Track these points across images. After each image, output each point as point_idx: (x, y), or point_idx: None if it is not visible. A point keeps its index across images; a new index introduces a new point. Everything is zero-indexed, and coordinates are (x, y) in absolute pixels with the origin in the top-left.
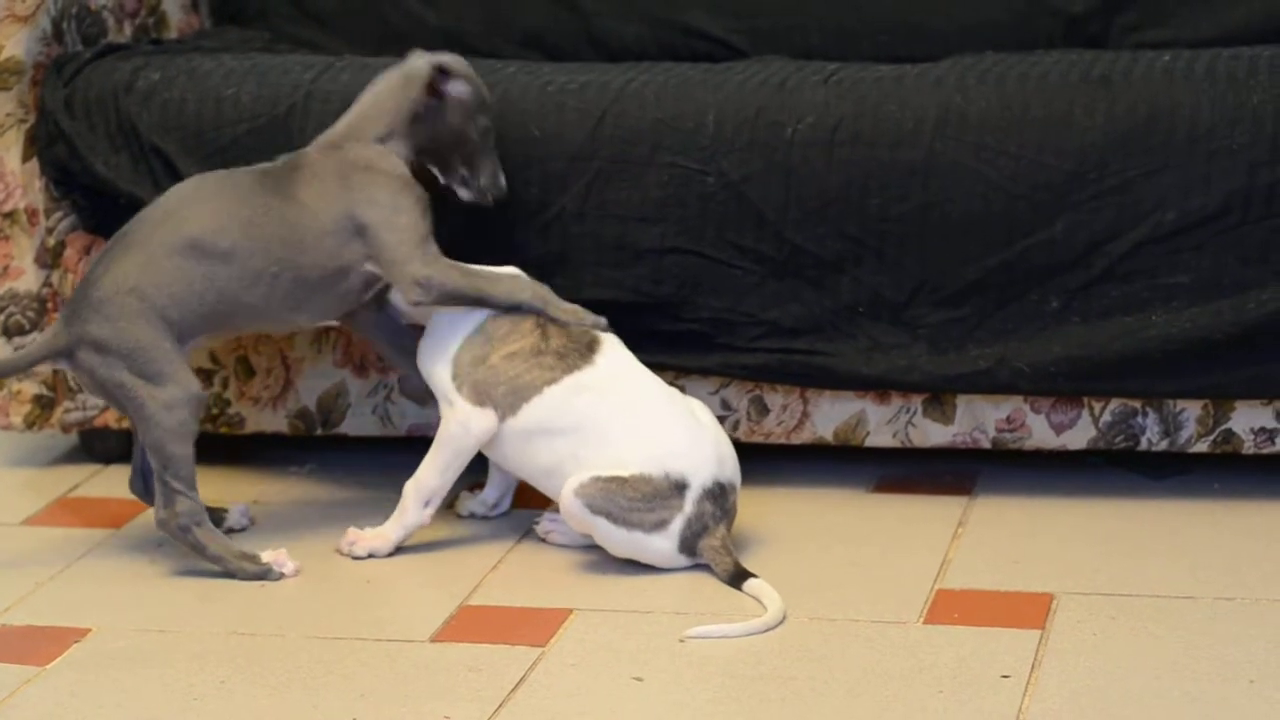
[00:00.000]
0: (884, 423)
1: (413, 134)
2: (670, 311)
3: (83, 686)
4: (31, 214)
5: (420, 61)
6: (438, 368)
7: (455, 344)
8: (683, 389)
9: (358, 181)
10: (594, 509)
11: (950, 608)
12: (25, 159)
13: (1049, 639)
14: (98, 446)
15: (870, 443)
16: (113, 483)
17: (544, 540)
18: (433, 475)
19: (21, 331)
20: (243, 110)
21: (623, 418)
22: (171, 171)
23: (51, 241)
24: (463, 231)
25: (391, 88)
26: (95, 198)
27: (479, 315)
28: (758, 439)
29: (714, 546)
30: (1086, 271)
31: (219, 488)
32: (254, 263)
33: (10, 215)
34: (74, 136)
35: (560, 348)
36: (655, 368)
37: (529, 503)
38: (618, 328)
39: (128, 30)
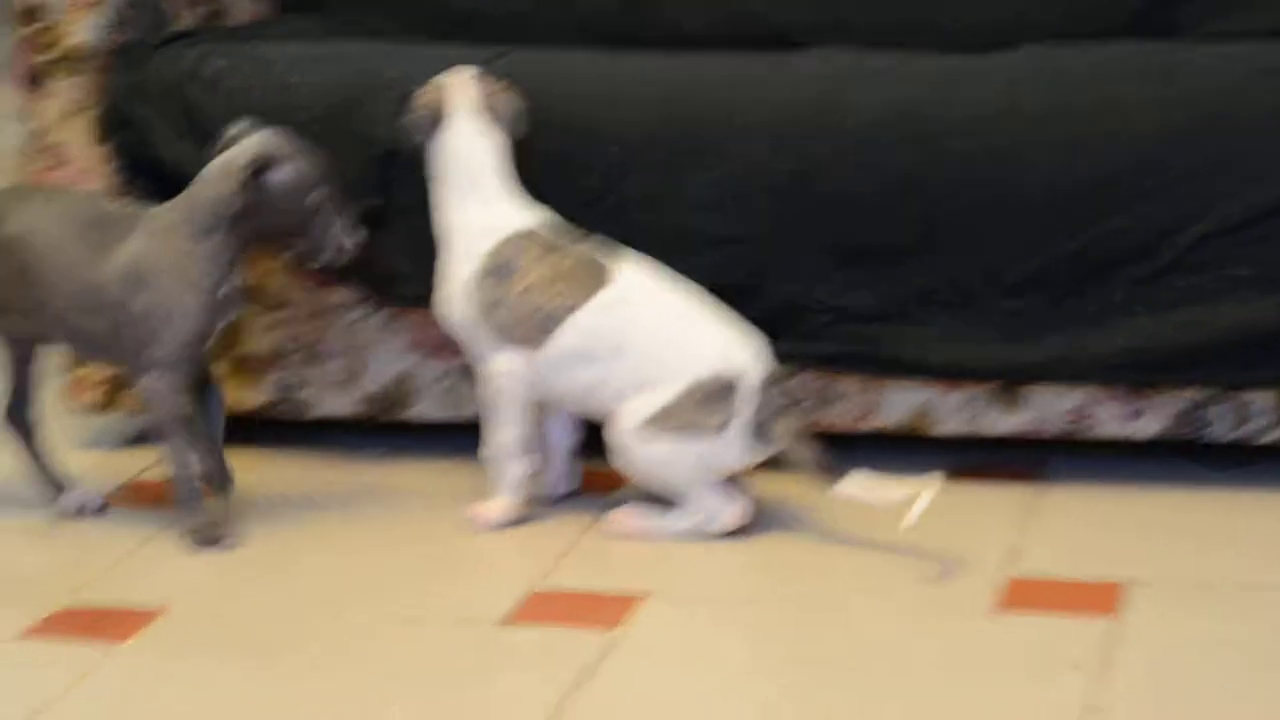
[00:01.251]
0: (953, 411)
1: (237, 229)
2: (738, 299)
3: (157, 665)
4: None
5: (237, 154)
6: (457, 320)
7: (464, 294)
8: None
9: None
10: (657, 434)
11: (1020, 596)
12: (93, 144)
13: (1119, 628)
14: None
15: (939, 431)
16: None
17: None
18: (503, 433)
19: None
20: (308, 97)
21: (661, 328)
22: None
23: None
24: None
25: (213, 181)
26: (161, 183)
27: (478, 251)
28: (826, 426)
29: (790, 433)
30: (1153, 262)
31: (287, 470)
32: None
33: None
34: (140, 123)
35: (574, 269)
36: None
37: (600, 486)
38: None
39: (193, 17)
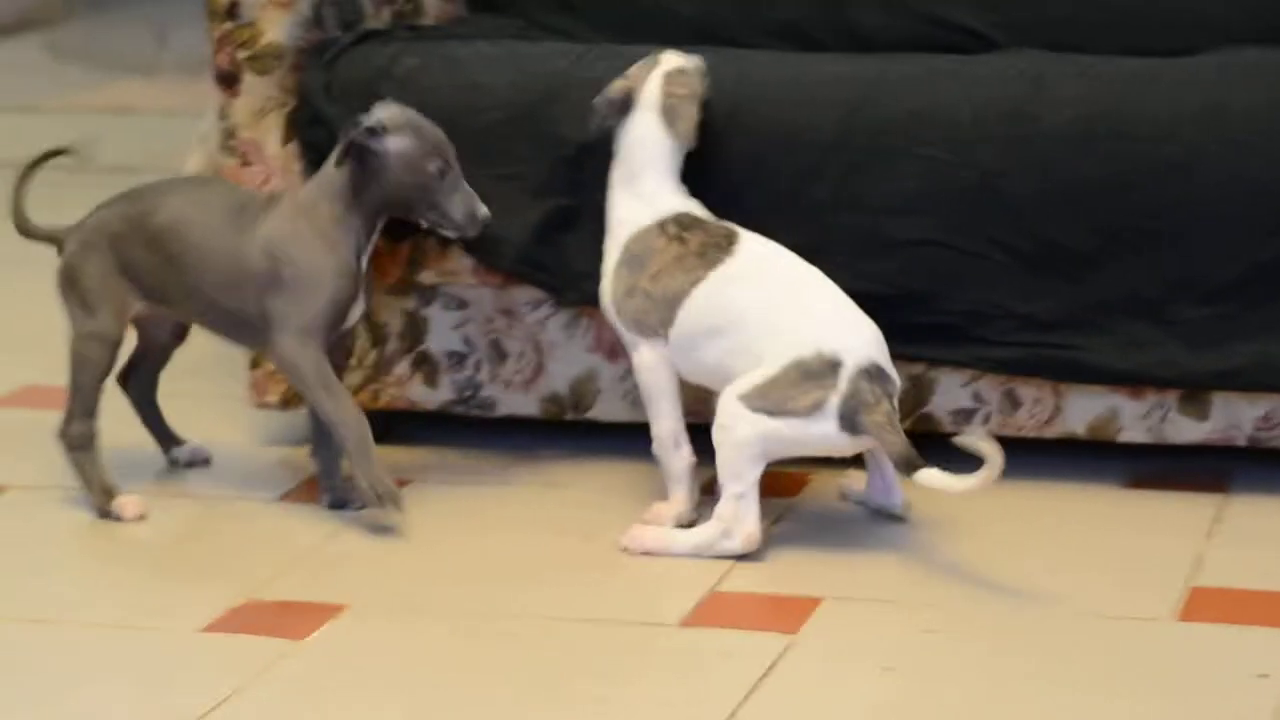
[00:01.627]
0: (1138, 418)
1: (362, 202)
2: (923, 304)
3: (337, 662)
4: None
5: (353, 130)
6: (604, 309)
7: (610, 284)
8: (934, 382)
9: (293, 250)
10: (753, 407)
11: (1204, 605)
12: (285, 142)
13: None
14: None
15: (1123, 438)
16: None
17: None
18: (658, 423)
19: None
20: (498, 97)
21: (777, 302)
22: None
23: None
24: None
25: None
26: None
27: (620, 242)
28: (1009, 433)
29: (878, 422)
30: None
31: (469, 469)
32: (189, 278)
33: None
34: (333, 121)
35: (699, 247)
36: (907, 360)
37: (775, 492)
38: (871, 319)
39: (385, 16)
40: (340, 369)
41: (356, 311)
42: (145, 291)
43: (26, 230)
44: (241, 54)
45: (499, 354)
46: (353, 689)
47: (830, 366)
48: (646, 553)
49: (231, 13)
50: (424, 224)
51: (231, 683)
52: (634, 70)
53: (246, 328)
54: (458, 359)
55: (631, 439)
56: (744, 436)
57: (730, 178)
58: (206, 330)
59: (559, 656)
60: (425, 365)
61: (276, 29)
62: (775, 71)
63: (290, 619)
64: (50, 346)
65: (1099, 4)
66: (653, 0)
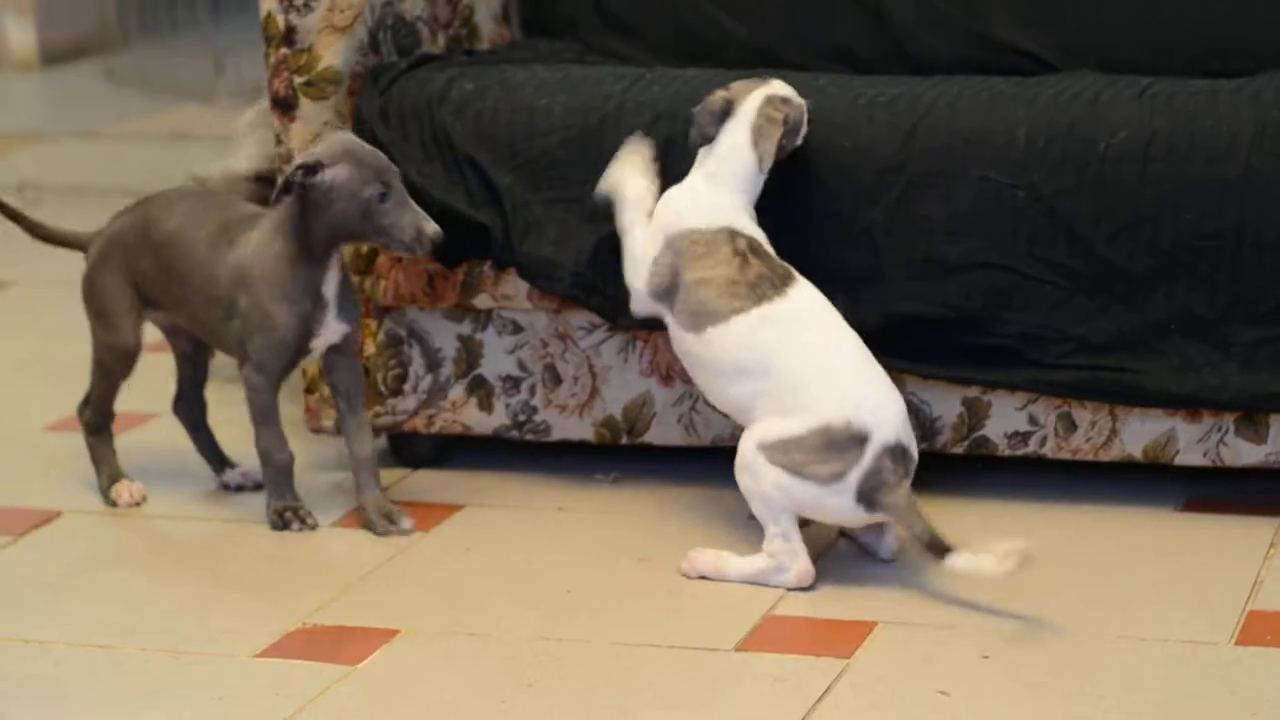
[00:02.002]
0: (1194, 441)
1: (311, 236)
2: (979, 326)
3: (392, 687)
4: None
5: (289, 170)
6: (633, 287)
7: (647, 266)
8: (990, 405)
9: (250, 283)
10: (772, 460)
11: (1263, 629)
12: None
13: None
14: (406, 450)
15: (1180, 461)
16: (422, 486)
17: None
18: None
19: None
20: (555, 121)
21: (812, 359)
22: (483, 180)
23: (364, 248)
24: (771, 243)
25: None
26: None
27: (668, 223)
28: (1065, 456)
29: (899, 505)
30: None
31: (524, 493)
32: (188, 294)
33: None
34: (389, 145)
35: (756, 278)
36: (962, 383)
37: None
38: (927, 342)
39: (441, 40)
40: (354, 388)
41: (328, 338)
42: (150, 300)
43: (48, 236)
44: (298, 79)
45: (554, 378)
46: (407, 714)
47: (857, 440)
48: (702, 576)
49: (288, 38)
50: (380, 246)
51: (286, 709)
52: (738, 85)
53: (224, 342)
54: (512, 383)
55: (685, 464)
56: (768, 489)
57: (787, 199)
58: (196, 334)
59: (615, 681)
60: (480, 390)
61: (333, 54)
62: (832, 93)
63: (345, 644)
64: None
65: (1155, 26)
66: (709, 23)
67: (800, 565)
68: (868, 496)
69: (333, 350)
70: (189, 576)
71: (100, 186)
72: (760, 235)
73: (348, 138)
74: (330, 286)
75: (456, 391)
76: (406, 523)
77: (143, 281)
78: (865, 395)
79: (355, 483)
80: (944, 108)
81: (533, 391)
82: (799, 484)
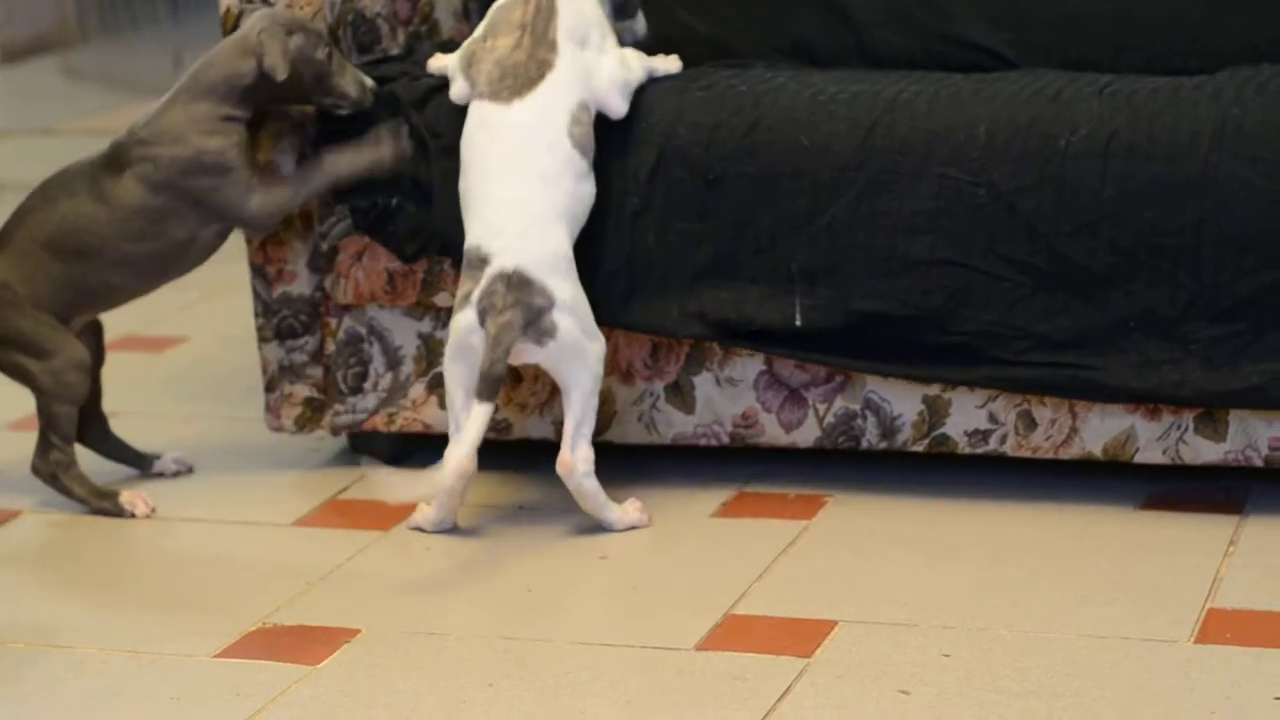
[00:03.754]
0: (1154, 439)
1: (251, 99)
2: (939, 323)
3: (352, 687)
4: (305, 218)
5: (248, 31)
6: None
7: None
8: (950, 403)
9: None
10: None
11: (1222, 627)
12: (300, 163)
13: None
14: (367, 449)
15: (1140, 459)
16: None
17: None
18: None
19: (294, 335)
20: None
21: (481, 179)
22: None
23: (325, 246)
24: (729, 241)
25: (227, 57)
26: (369, 201)
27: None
28: (1025, 454)
29: (490, 330)
30: None
31: (484, 492)
32: (107, 254)
33: (285, 219)
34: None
35: (510, 67)
36: (922, 380)
37: (791, 514)
38: (887, 340)
39: (401, 37)
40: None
41: None
42: (62, 310)
43: None
44: None
45: (514, 376)
46: (368, 714)
47: (482, 262)
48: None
49: None
50: (316, 105)
51: (246, 709)
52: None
53: (162, 269)
54: None
55: (646, 462)
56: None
57: (746, 196)
58: (133, 297)
59: (575, 681)
60: (441, 388)
61: None
62: (792, 90)
63: (305, 644)
64: None
65: (1116, 23)
66: (669, 17)
67: (454, 452)
68: (481, 316)
69: None
70: (148, 576)
71: None
72: (565, 3)
73: (279, 11)
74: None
75: (417, 390)
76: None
77: (54, 294)
78: (500, 224)
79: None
80: (904, 105)
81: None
82: (456, 311)
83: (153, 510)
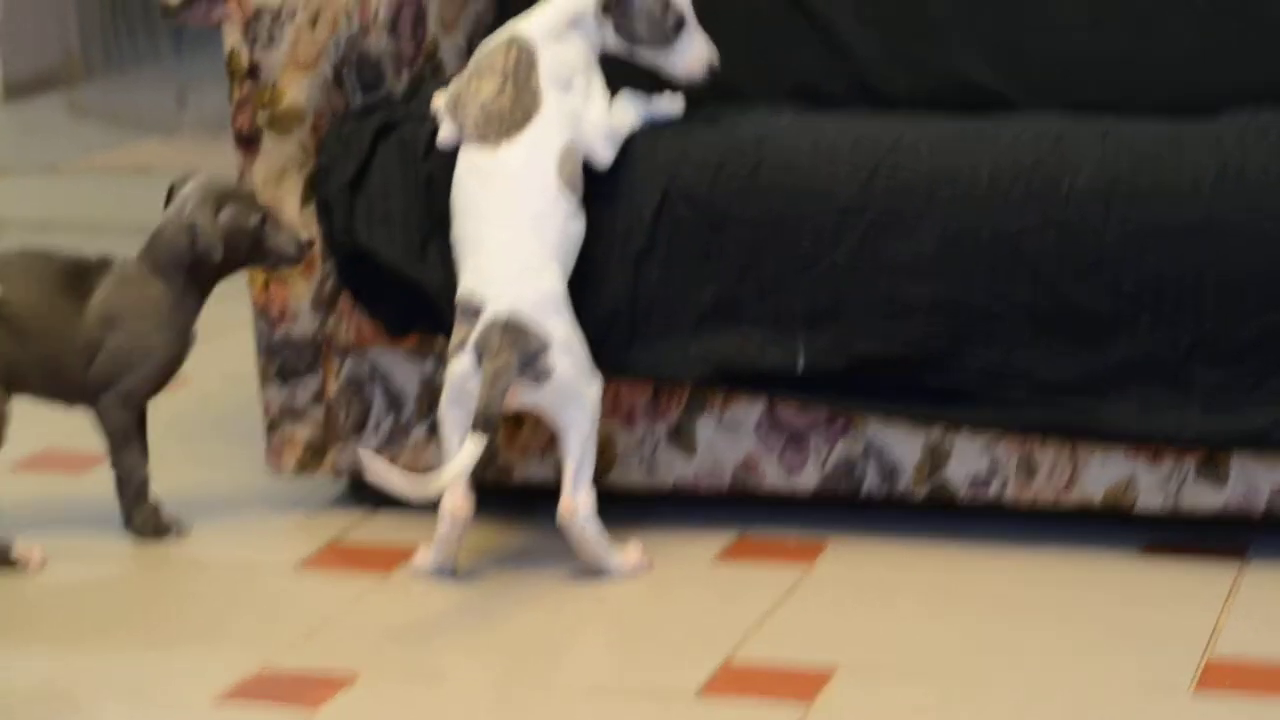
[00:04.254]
0: (1155, 486)
1: (198, 275)
2: (941, 366)
3: None
4: (309, 260)
5: (188, 206)
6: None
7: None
8: (951, 447)
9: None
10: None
11: (1222, 676)
12: (303, 204)
13: None
14: (367, 491)
15: (1141, 506)
16: (382, 527)
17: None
18: None
19: (296, 374)
20: None
21: (475, 225)
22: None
23: (328, 287)
24: (733, 283)
25: (171, 231)
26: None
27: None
28: (1026, 499)
29: (485, 373)
30: None
31: (485, 536)
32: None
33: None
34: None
35: (495, 113)
36: (924, 422)
37: (791, 558)
38: (889, 382)
39: (405, 78)
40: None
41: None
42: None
43: None
44: (261, 116)
45: (515, 420)
46: None
47: (477, 310)
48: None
49: (252, 74)
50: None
51: None
52: None
53: (75, 392)
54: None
55: (647, 506)
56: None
57: (749, 238)
58: (34, 396)
59: None
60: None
61: (297, 91)
62: (795, 132)
63: (304, 688)
64: (65, 412)
65: (1118, 67)
66: None
67: (449, 498)
68: (477, 360)
69: None
70: (148, 618)
71: (63, 221)
72: (542, 43)
73: (213, 179)
74: (196, 320)
75: (418, 432)
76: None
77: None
78: (492, 270)
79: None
80: (907, 148)
81: (495, 433)
82: (451, 358)
83: (44, 562)
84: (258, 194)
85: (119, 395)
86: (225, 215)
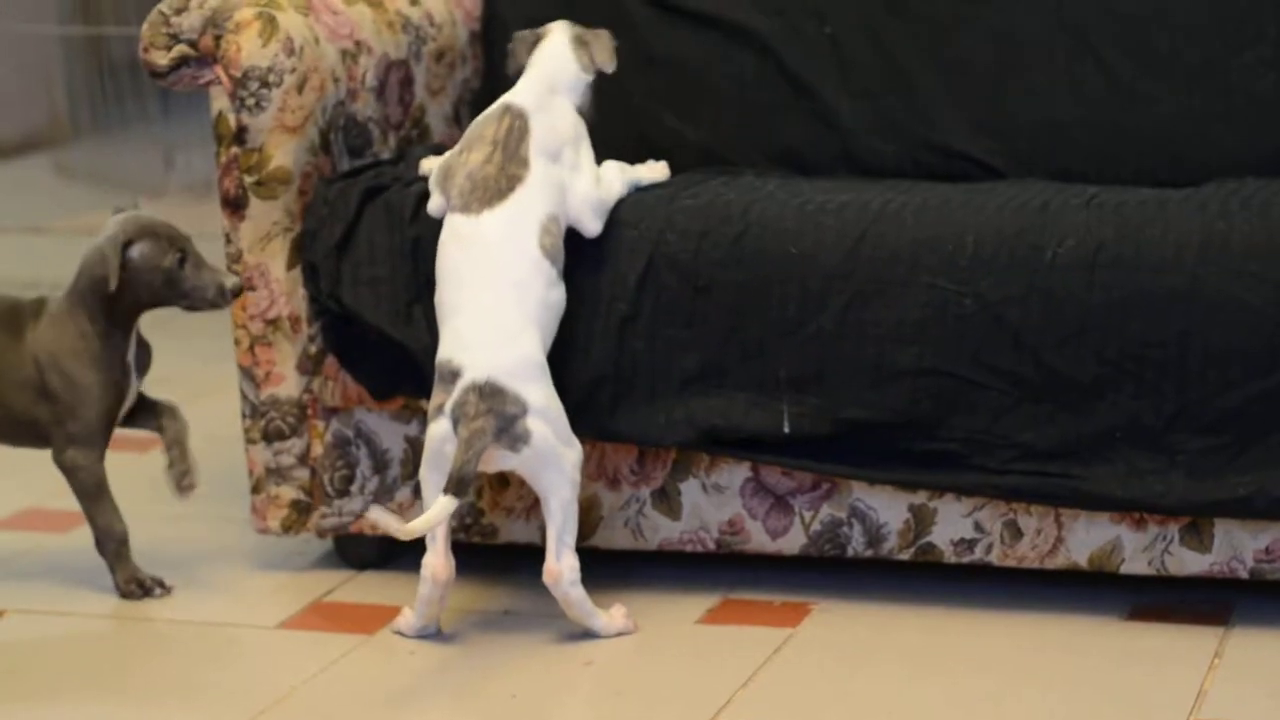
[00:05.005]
0: (1140, 550)
1: (119, 309)
2: (925, 431)
3: None
4: (294, 321)
5: (105, 241)
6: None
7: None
8: (935, 512)
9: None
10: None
11: None
12: (289, 267)
13: None
14: (352, 552)
15: (1125, 569)
16: (367, 588)
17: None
18: None
19: (281, 436)
20: None
21: (453, 292)
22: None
23: (313, 349)
24: (718, 348)
25: (90, 266)
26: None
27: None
28: (1011, 563)
29: (463, 436)
30: None
31: (470, 596)
32: None
33: (274, 322)
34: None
35: (481, 180)
36: (908, 487)
37: (774, 621)
38: (873, 447)
39: (392, 141)
40: (161, 406)
41: (130, 400)
42: None
43: None
44: (248, 179)
45: (500, 481)
46: None
47: (454, 375)
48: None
49: (239, 138)
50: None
51: None
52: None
53: (29, 432)
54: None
55: (632, 567)
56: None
57: (735, 304)
58: (8, 443)
59: None
60: None
61: (284, 154)
62: (780, 199)
63: None
64: (51, 469)
65: (1103, 135)
66: (659, 124)
67: (429, 560)
68: (454, 424)
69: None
70: (129, 677)
71: (50, 281)
72: (535, 112)
73: (137, 215)
74: (131, 353)
75: (403, 493)
76: (188, 481)
77: None
78: (470, 336)
79: (168, 458)
80: (892, 214)
81: (480, 494)
82: (430, 422)
83: (1, 613)
84: (182, 234)
85: (68, 437)
86: (137, 249)
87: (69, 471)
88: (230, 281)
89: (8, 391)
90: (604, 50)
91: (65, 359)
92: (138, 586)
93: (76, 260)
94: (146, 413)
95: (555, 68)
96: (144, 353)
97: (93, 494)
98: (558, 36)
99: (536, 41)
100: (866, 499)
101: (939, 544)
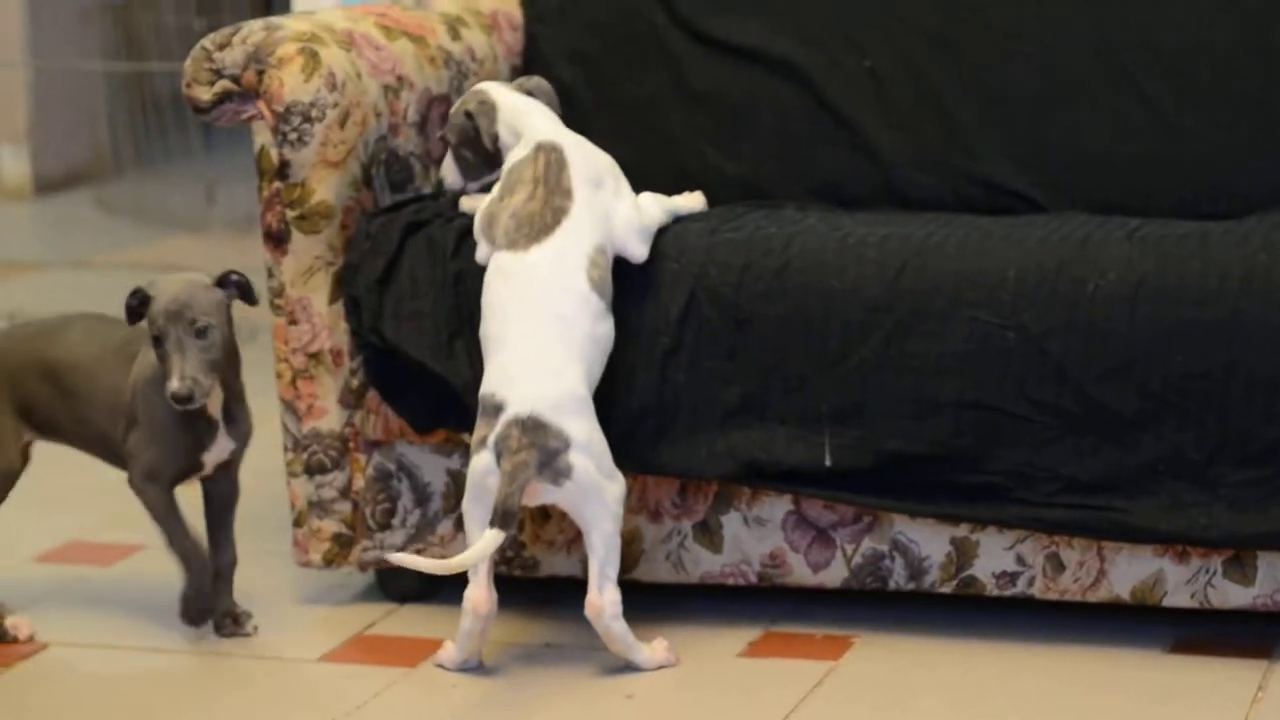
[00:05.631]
0: (1182, 583)
1: None
2: (968, 464)
3: None
4: (336, 355)
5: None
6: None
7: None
8: (978, 545)
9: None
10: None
11: None
12: (331, 301)
13: None
14: (393, 585)
15: (1168, 602)
16: (408, 622)
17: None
18: None
19: (323, 470)
20: None
21: (499, 325)
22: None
23: (355, 383)
24: (759, 381)
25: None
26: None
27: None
28: (1053, 596)
29: (505, 469)
30: None
31: (511, 630)
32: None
33: (316, 356)
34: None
35: (527, 217)
36: (951, 520)
37: (817, 655)
38: (915, 480)
39: (434, 176)
40: (227, 500)
41: (218, 455)
42: (37, 425)
43: None
44: (290, 213)
45: (542, 514)
46: None
47: (498, 409)
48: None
49: (282, 172)
50: None
51: None
52: (462, 98)
53: (116, 455)
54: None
55: (673, 600)
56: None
57: (776, 336)
58: (91, 455)
59: None
60: None
61: (326, 189)
62: (821, 232)
63: None
64: (96, 502)
65: (1144, 168)
66: (700, 160)
67: (472, 593)
68: (497, 457)
69: (219, 465)
70: (170, 713)
71: None
72: (570, 145)
73: (190, 276)
74: (214, 406)
75: (445, 526)
76: (250, 625)
77: (31, 408)
78: (514, 370)
79: (213, 588)
80: (933, 247)
81: (521, 527)
82: (473, 455)
83: (31, 635)
84: (178, 316)
85: (144, 471)
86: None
87: (140, 498)
88: (172, 386)
89: (105, 415)
90: (549, 93)
91: (151, 397)
92: (232, 619)
93: (120, 295)
94: (214, 502)
95: (543, 108)
96: (239, 412)
97: (165, 516)
98: (507, 93)
99: (493, 106)
100: (908, 532)
101: (981, 577)
